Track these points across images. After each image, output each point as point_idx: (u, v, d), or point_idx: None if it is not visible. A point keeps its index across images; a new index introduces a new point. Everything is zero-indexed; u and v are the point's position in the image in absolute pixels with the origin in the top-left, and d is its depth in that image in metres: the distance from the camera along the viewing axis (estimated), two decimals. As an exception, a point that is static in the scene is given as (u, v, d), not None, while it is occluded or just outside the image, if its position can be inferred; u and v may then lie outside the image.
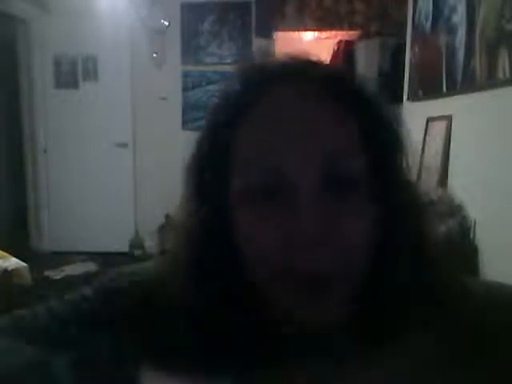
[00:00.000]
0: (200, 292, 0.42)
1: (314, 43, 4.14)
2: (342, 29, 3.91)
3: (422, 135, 2.50)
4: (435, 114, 2.43)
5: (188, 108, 4.32)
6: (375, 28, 3.79)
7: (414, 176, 0.44)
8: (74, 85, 4.32)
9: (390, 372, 0.41)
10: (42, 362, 0.41)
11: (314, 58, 0.44)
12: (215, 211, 0.42)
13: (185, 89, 4.33)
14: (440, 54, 2.33)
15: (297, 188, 0.38)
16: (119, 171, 4.40)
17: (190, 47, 4.28)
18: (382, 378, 0.41)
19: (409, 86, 2.99)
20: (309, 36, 4.18)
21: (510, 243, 1.62)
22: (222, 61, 4.23)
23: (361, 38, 3.80)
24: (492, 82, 1.75)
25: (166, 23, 4.18)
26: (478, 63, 1.86)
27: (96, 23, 4.07)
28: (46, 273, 3.75)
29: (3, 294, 2.05)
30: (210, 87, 4.23)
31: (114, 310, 0.47)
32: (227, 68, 4.10)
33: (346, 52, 3.73)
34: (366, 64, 3.58)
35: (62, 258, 4.14)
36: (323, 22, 3.88)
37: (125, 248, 4.26)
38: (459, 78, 2.07)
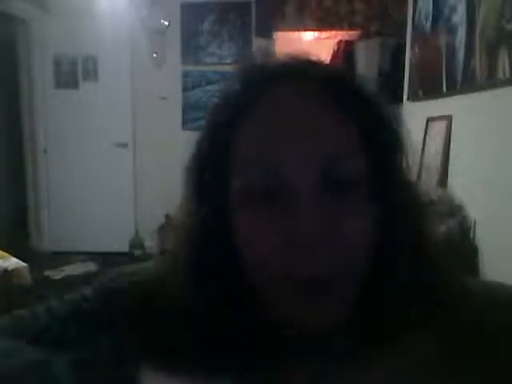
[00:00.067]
0: (200, 292, 0.42)
1: (314, 43, 4.14)
2: (342, 29, 3.91)
3: (422, 135, 2.50)
4: (435, 114, 2.43)
5: (188, 108, 4.32)
6: (375, 28, 3.79)
7: (413, 176, 0.44)
8: (74, 85, 4.32)
9: (390, 372, 0.41)
10: (42, 362, 0.41)
11: (314, 58, 0.44)
12: (215, 211, 0.42)
13: (185, 89, 4.33)
14: (440, 54, 2.33)
15: (296, 188, 0.38)
16: (119, 171, 4.40)
17: (190, 47, 4.28)
18: (382, 378, 0.41)
19: (409, 86, 2.99)
20: (309, 36, 4.18)
21: (509, 243, 1.62)
22: (221, 61, 4.23)
23: (361, 38, 3.80)
24: (492, 81, 1.75)
25: (166, 23, 4.18)
26: (478, 63, 1.86)
27: (96, 23, 4.07)
28: (46, 273, 3.75)
29: (3, 294, 2.05)
30: (210, 87, 4.23)
31: (114, 310, 0.47)
32: (227, 68, 4.10)
33: (346, 52, 3.73)
34: (366, 64, 3.58)
35: (62, 258, 4.14)
36: (323, 22, 3.88)
37: (125, 248, 4.26)
38: (459, 78, 2.07)
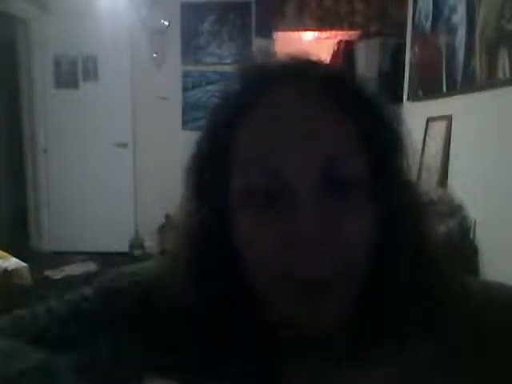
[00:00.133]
0: (200, 292, 0.42)
1: (314, 43, 4.14)
2: (342, 29, 3.91)
3: (422, 135, 2.50)
4: (435, 114, 2.43)
5: (188, 108, 4.32)
6: (375, 28, 3.79)
7: (414, 176, 0.44)
8: (74, 85, 4.32)
9: (390, 372, 0.41)
10: (42, 362, 0.41)
11: (314, 58, 0.44)
12: (215, 211, 0.42)
13: (185, 89, 4.33)
14: (440, 54, 2.33)
15: (296, 189, 0.38)
16: (119, 171, 4.40)
17: (190, 47, 4.28)
18: (382, 379, 0.41)
19: (409, 86, 2.99)
20: (309, 36, 4.18)
21: (509, 243, 1.62)
22: (221, 61, 4.23)
23: (361, 38, 3.80)
24: (492, 81, 1.75)
25: (166, 23, 4.18)
26: (478, 63, 1.86)
27: (96, 23, 4.07)
28: (46, 273, 3.75)
29: (3, 294, 2.05)
30: (210, 87, 4.23)
31: (114, 310, 0.47)
32: (227, 68, 4.10)
33: (346, 52, 3.73)
34: (366, 64, 3.58)
35: (62, 258, 4.14)
36: (323, 22, 3.88)
37: (125, 248, 4.26)
38: (459, 78, 2.07)
